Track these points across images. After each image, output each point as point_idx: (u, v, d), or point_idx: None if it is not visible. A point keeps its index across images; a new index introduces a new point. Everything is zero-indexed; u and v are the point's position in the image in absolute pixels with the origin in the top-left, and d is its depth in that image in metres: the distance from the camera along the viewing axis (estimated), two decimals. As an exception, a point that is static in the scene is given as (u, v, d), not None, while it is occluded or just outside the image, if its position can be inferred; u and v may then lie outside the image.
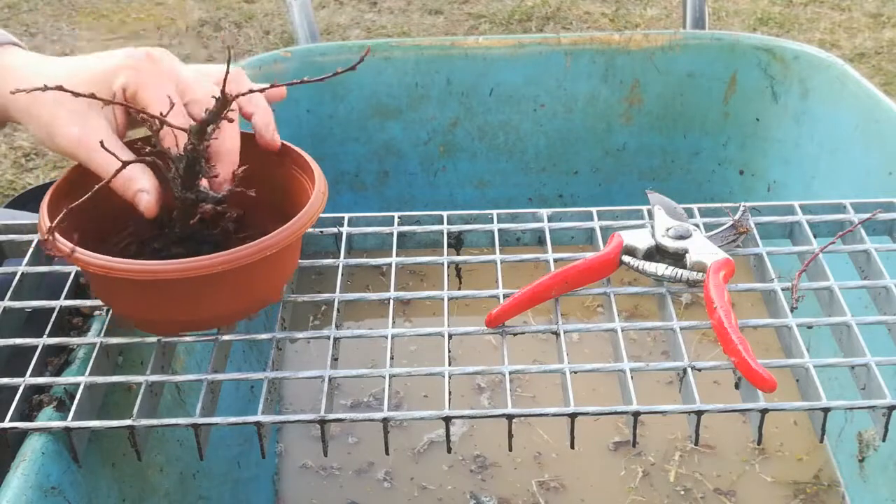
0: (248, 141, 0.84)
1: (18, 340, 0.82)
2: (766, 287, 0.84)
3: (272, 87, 0.78)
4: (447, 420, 0.74)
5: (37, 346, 0.79)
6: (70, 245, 0.71)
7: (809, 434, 1.31)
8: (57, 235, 0.72)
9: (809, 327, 0.80)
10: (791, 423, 1.33)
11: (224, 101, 0.72)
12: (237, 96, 0.73)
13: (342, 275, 0.88)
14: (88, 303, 0.84)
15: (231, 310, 0.78)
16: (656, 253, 0.85)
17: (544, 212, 0.93)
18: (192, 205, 0.76)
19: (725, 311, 0.75)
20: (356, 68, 0.71)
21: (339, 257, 0.90)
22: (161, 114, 0.72)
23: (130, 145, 0.78)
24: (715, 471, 1.28)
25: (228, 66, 0.72)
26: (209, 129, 0.73)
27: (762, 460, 1.29)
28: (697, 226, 0.89)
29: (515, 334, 0.80)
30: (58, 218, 0.72)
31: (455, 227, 0.92)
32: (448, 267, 0.88)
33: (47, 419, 0.74)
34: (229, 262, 0.71)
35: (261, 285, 0.78)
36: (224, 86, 0.71)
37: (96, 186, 0.71)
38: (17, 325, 0.84)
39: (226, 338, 0.80)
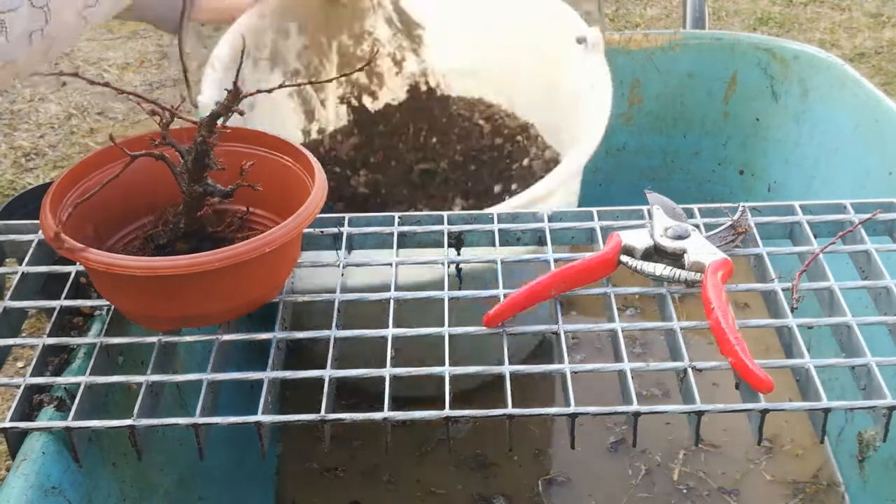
0: (252, 138, 0.84)
1: (20, 340, 0.82)
2: (767, 287, 0.84)
3: (280, 86, 0.78)
4: (448, 420, 0.74)
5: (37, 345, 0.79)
6: (73, 242, 0.71)
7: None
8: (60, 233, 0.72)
9: (810, 327, 0.80)
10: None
11: (235, 94, 0.72)
12: (247, 94, 0.73)
13: (342, 275, 0.88)
14: (89, 303, 0.84)
15: (231, 306, 0.78)
16: (655, 253, 0.85)
17: (544, 212, 0.93)
18: (199, 198, 0.76)
19: (723, 311, 0.75)
20: (364, 69, 0.72)
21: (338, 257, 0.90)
22: (172, 107, 0.73)
23: (141, 139, 0.78)
24: (719, 469, 1.27)
25: (242, 60, 0.72)
26: (218, 122, 0.73)
27: (767, 459, 1.29)
28: (697, 226, 0.89)
29: (515, 334, 0.80)
30: (68, 214, 0.73)
31: (455, 227, 0.91)
32: (448, 267, 0.88)
33: (48, 419, 0.74)
34: (228, 258, 0.71)
35: (260, 282, 0.78)
36: (235, 79, 0.71)
37: (105, 181, 0.71)
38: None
39: (226, 338, 0.80)
